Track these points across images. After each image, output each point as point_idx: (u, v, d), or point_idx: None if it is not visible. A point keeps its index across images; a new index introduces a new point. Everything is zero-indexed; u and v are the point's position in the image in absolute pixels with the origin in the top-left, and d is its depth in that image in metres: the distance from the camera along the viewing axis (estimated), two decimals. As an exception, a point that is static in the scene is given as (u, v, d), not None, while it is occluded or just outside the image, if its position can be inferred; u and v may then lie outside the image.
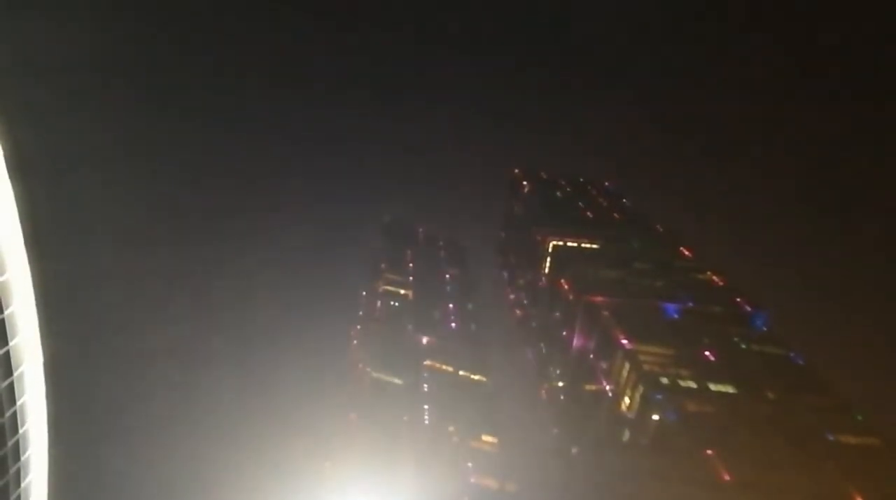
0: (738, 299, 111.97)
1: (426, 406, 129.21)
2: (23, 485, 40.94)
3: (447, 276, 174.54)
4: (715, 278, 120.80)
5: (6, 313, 35.48)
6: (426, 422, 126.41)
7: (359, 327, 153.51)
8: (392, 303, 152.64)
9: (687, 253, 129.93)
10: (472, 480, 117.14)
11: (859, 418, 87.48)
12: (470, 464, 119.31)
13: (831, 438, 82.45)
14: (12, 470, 39.17)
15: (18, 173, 33.72)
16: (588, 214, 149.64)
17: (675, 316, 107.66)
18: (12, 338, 36.76)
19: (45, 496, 44.90)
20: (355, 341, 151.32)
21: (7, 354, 36.51)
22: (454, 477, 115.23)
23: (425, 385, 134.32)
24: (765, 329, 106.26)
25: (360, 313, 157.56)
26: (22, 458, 40.10)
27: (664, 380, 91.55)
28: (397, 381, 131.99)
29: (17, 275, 36.02)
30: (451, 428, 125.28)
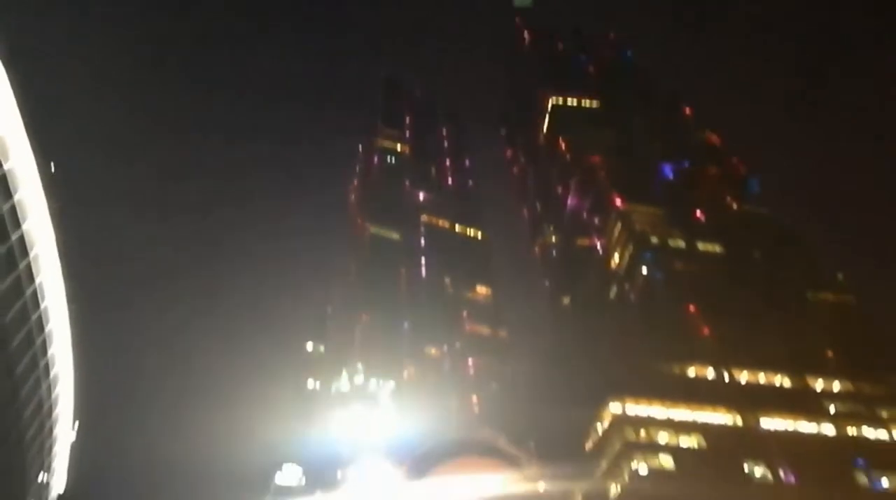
0: (734, 161, 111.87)
1: (423, 259, 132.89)
2: (48, 354, 44.22)
3: (444, 131, 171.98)
4: (713, 138, 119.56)
5: (15, 198, 36.24)
6: (423, 274, 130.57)
7: (356, 182, 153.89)
8: (389, 159, 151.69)
9: (687, 112, 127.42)
10: (467, 327, 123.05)
11: (840, 277, 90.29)
12: (465, 313, 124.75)
13: (810, 296, 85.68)
14: (38, 341, 42.14)
15: (16, 62, 33.18)
16: (590, 68, 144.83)
17: (671, 177, 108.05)
18: (24, 221, 37.83)
19: (70, 362, 48.48)
20: (353, 197, 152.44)
21: (21, 237, 37.71)
22: (449, 325, 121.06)
23: (422, 239, 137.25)
24: (757, 191, 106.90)
25: (357, 169, 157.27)
26: (45, 330, 42.95)
27: (654, 239, 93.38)
28: (395, 235, 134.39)
29: (20, 163, 36.41)
30: (446, 280, 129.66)
